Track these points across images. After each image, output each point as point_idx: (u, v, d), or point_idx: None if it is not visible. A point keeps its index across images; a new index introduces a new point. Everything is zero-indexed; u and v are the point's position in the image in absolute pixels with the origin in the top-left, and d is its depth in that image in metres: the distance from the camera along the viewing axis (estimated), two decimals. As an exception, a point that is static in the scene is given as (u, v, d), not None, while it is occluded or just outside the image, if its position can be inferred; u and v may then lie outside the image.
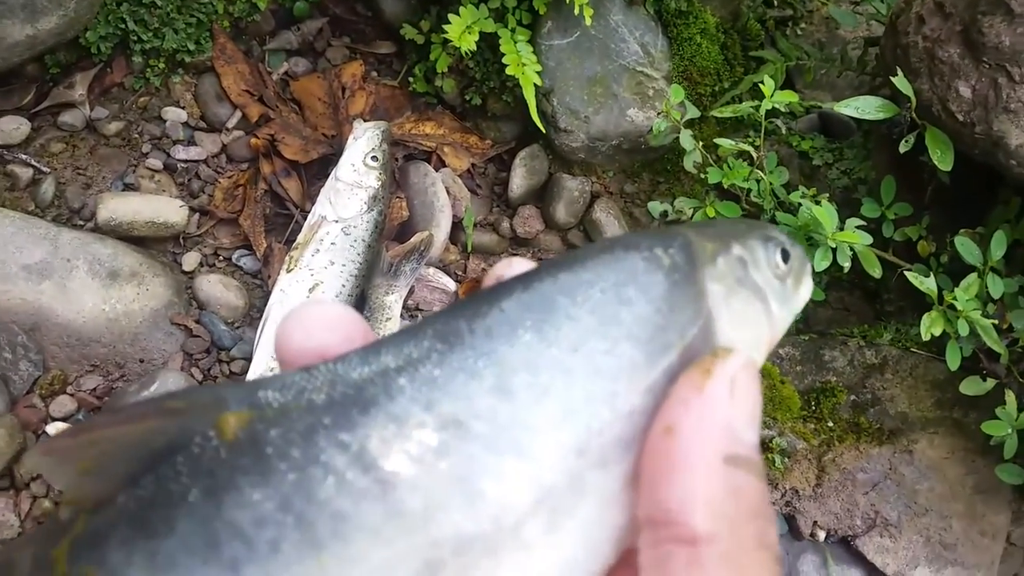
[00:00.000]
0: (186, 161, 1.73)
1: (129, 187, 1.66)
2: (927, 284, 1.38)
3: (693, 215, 1.65)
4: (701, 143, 1.63)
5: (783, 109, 1.55)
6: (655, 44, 1.85)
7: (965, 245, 1.43)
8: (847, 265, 1.42)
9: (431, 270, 1.73)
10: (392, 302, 1.60)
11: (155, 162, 1.70)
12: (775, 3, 2.09)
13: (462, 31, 1.63)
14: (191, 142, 1.75)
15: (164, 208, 1.59)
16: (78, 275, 1.46)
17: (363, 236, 1.60)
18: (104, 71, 1.73)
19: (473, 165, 1.88)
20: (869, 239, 1.42)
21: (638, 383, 0.31)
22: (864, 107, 1.48)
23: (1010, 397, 1.37)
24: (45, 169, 1.62)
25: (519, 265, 0.35)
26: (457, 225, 1.78)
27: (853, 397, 1.59)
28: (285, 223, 1.71)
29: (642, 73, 1.84)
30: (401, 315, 1.62)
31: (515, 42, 1.71)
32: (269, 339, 1.45)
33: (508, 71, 1.68)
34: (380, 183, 1.64)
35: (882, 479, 1.53)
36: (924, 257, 1.58)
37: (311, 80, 1.89)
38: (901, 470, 1.54)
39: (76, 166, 1.66)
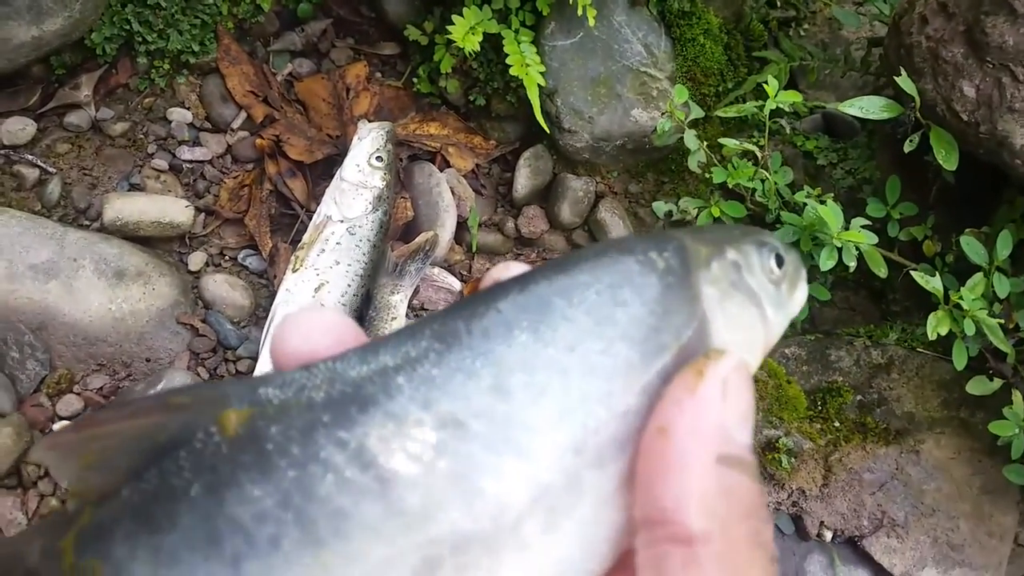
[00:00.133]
0: (191, 161, 1.73)
1: (135, 187, 1.67)
2: (933, 284, 1.38)
3: (698, 215, 1.65)
4: (705, 143, 1.63)
5: (787, 109, 1.55)
6: (658, 45, 1.86)
7: (971, 244, 1.43)
8: (853, 265, 1.42)
9: (436, 270, 1.73)
10: (397, 302, 1.61)
11: (161, 162, 1.70)
12: (778, 4, 2.09)
13: (466, 32, 1.63)
14: (196, 142, 1.76)
15: (170, 208, 1.60)
16: (84, 275, 1.47)
17: (368, 236, 1.61)
18: (109, 72, 1.73)
19: (477, 165, 1.89)
20: (874, 239, 1.42)
21: (633, 383, 0.32)
22: (868, 107, 1.48)
23: (1017, 397, 1.36)
24: (51, 169, 1.63)
25: (516, 269, 0.35)
26: (462, 225, 1.79)
27: (859, 397, 1.59)
28: (290, 223, 1.72)
29: (646, 73, 1.84)
30: (406, 315, 1.62)
31: (519, 43, 1.71)
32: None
33: (512, 72, 1.69)
34: (385, 183, 1.65)
35: (889, 479, 1.53)
36: (930, 257, 1.57)
37: (315, 81, 1.90)
38: (908, 470, 1.53)
39: (82, 166, 1.66)
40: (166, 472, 0.29)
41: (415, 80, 1.92)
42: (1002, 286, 1.40)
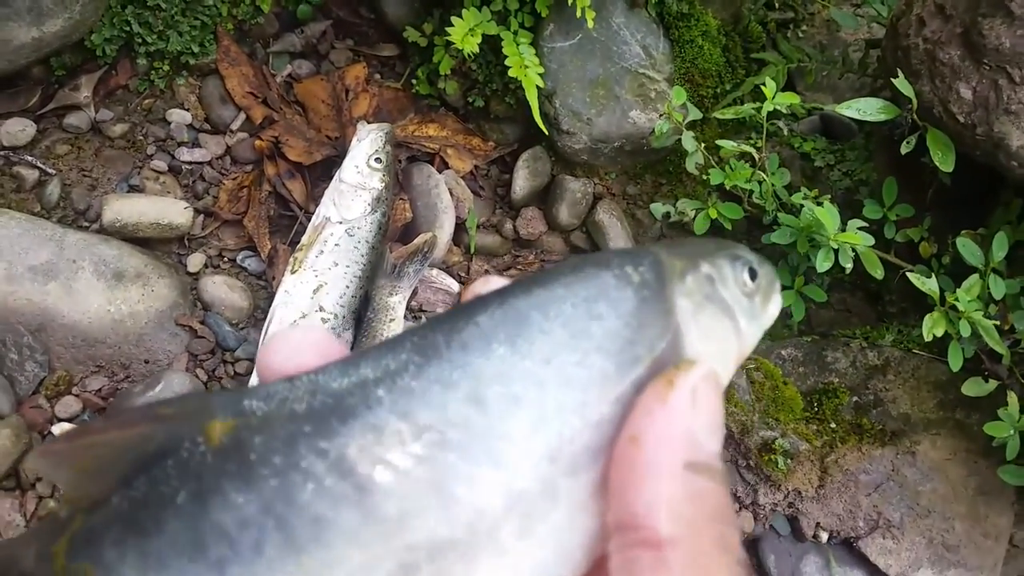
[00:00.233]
0: (191, 163, 1.74)
1: (134, 189, 1.67)
2: (929, 285, 1.38)
3: (696, 216, 1.66)
4: (703, 145, 1.64)
5: (785, 111, 1.55)
6: (657, 46, 1.86)
7: (967, 246, 1.43)
8: (849, 266, 1.43)
9: (434, 271, 1.73)
10: (396, 303, 1.61)
11: (160, 164, 1.71)
12: (776, 5, 2.09)
13: (465, 33, 1.64)
14: (195, 144, 1.77)
15: (169, 209, 1.61)
16: (83, 276, 1.48)
17: (367, 237, 1.61)
18: (109, 73, 1.74)
19: (476, 167, 1.89)
20: (871, 240, 1.43)
21: (607, 393, 0.32)
22: (865, 109, 1.49)
23: (1012, 398, 1.37)
24: (51, 171, 1.64)
25: (496, 283, 0.36)
26: (460, 226, 1.79)
27: (855, 398, 1.59)
28: (289, 224, 1.72)
29: (644, 75, 1.84)
30: (404, 316, 1.63)
31: (517, 44, 1.72)
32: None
33: (511, 73, 1.69)
34: (384, 185, 1.65)
35: (884, 480, 1.53)
36: (926, 258, 1.58)
37: (315, 82, 1.91)
38: (903, 471, 1.54)
39: (81, 168, 1.67)
40: (154, 480, 0.29)
41: (414, 82, 1.93)
42: (998, 288, 1.41)
